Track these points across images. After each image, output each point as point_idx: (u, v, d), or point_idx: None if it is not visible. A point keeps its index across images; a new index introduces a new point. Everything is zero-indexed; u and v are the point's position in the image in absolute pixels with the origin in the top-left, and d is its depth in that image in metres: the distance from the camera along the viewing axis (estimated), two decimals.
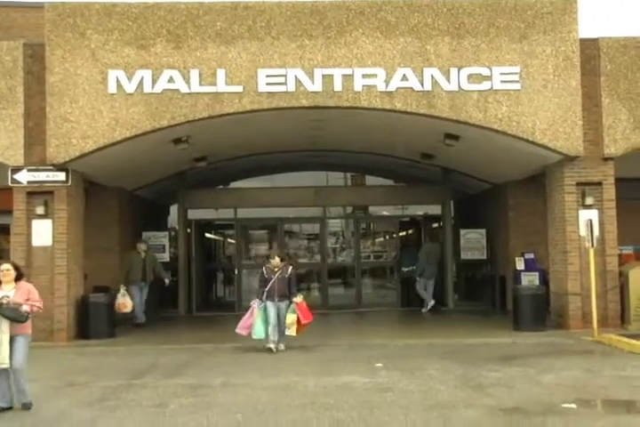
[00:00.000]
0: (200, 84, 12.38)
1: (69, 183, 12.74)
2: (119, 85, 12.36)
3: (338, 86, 12.45)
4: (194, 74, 12.38)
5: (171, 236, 18.92)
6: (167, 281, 16.02)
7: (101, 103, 12.38)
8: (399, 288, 19.04)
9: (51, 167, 12.55)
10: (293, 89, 12.43)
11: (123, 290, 14.36)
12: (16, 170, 12.55)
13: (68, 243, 12.81)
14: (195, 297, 18.71)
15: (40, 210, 12.62)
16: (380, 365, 9.92)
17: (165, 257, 18.19)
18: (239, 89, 12.40)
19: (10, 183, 12.63)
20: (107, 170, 14.13)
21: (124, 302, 14.19)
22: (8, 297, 7.46)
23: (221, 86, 12.40)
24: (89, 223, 14.13)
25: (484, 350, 11.28)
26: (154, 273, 15.64)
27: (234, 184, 20.21)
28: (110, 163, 13.60)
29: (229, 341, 12.51)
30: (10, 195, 12.91)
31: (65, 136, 12.41)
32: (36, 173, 12.56)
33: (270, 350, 11.23)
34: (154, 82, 12.35)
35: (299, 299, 11.42)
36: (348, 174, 20.68)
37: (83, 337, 12.99)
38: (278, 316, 11.32)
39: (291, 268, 11.59)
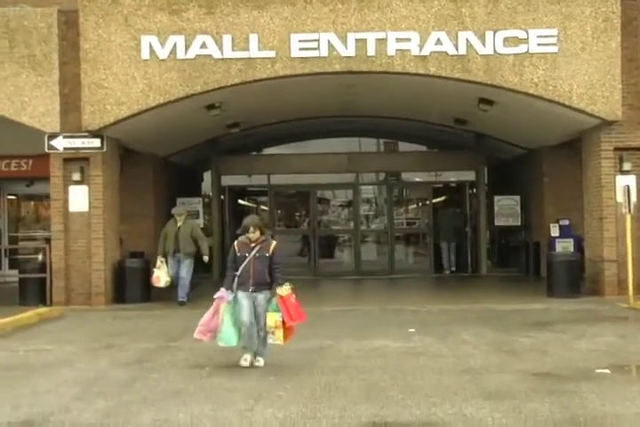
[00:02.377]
0: (233, 50, 12.33)
1: (104, 149, 12.86)
2: (152, 51, 12.36)
3: (371, 51, 12.31)
4: (226, 39, 12.32)
5: (204, 202, 19.07)
6: (205, 258, 13.62)
7: (135, 69, 12.41)
8: (432, 254, 19.07)
9: (86, 134, 12.67)
10: (326, 54, 12.32)
11: (158, 262, 12.90)
12: (52, 136, 12.68)
13: (104, 208, 12.98)
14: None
15: (76, 176, 12.79)
16: (412, 330, 9.96)
17: (200, 223, 18.38)
18: (272, 54, 12.33)
19: (46, 150, 12.78)
20: (141, 136, 14.22)
21: (158, 276, 12.82)
22: None
23: (254, 52, 12.34)
24: (124, 190, 14.27)
25: (518, 316, 11.26)
26: (195, 244, 13.40)
27: (267, 151, 20.24)
28: (144, 129, 13.68)
29: None
30: (46, 162, 13.10)
31: (99, 103, 12.49)
32: (71, 140, 12.69)
33: (246, 365, 7.72)
34: (186, 48, 12.33)
35: (284, 290, 7.65)
36: (381, 140, 20.57)
37: (119, 301, 13.23)
38: (255, 313, 7.75)
39: (274, 243, 7.84)
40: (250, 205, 22.52)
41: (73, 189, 12.89)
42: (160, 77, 12.38)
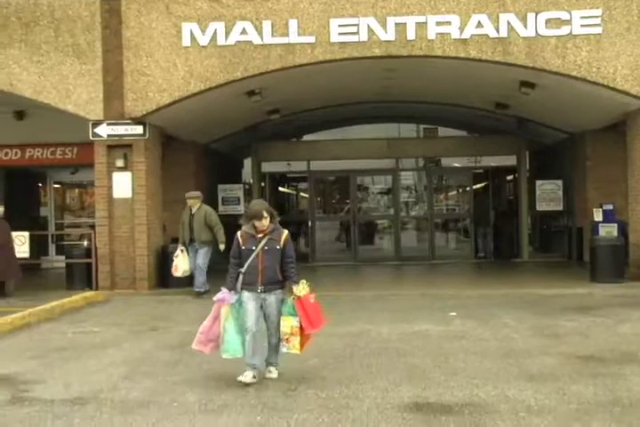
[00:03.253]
0: (272, 36, 12.36)
1: (147, 136, 13.02)
2: (193, 38, 12.45)
3: (411, 35, 12.24)
4: (266, 25, 12.36)
5: (245, 189, 19.22)
6: (222, 247, 12.27)
7: (176, 56, 12.53)
8: (473, 240, 18.99)
9: (129, 121, 12.83)
10: (366, 38, 12.28)
11: (178, 251, 12.17)
12: (96, 124, 12.88)
13: (147, 194, 13.17)
14: None
15: (120, 163, 12.98)
16: (453, 314, 9.96)
17: (241, 209, 18.56)
18: (311, 40, 12.33)
19: (91, 137, 12.98)
20: (182, 123, 14.37)
21: (176, 265, 12.12)
22: None
23: (293, 37, 12.35)
24: (166, 177, 14.44)
25: (560, 300, 11.18)
26: (211, 232, 12.39)
27: (306, 137, 20.29)
28: (185, 116, 13.82)
29: None
30: (90, 149, 13.32)
31: (141, 90, 12.65)
32: (115, 127, 12.87)
33: (247, 381, 6.33)
34: (227, 34, 12.39)
35: (301, 289, 6.42)
36: (421, 126, 20.46)
37: (162, 286, 13.43)
38: (265, 317, 6.56)
39: (285, 233, 6.55)
40: (289, 191, 22.64)
41: (116, 176, 13.09)
42: (201, 64, 12.48)
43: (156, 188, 13.71)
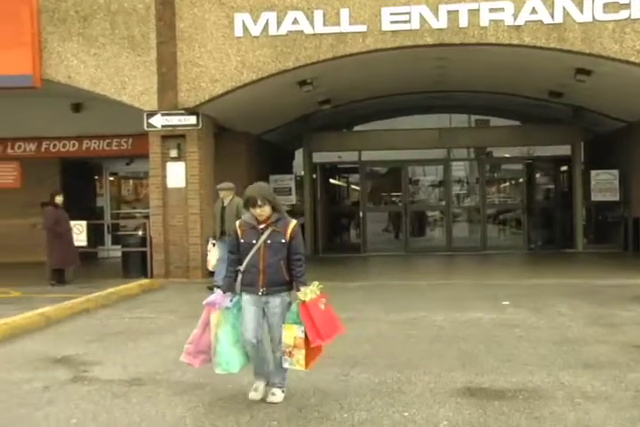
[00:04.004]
0: (324, 25, 12.37)
1: (200, 127, 13.18)
2: (245, 28, 12.55)
3: (463, 22, 12.12)
4: (318, 14, 12.37)
5: (296, 179, 19.33)
6: None
7: (228, 47, 12.64)
8: (526, 231, 18.76)
9: (182, 111, 13.00)
10: (418, 27, 12.21)
11: (209, 244, 11.65)
12: (151, 114, 13.07)
13: (200, 184, 13.33)
14: (320, 239, 19.12)
15: (173, 153, 13.17)
16: (506, 303, 9.88)
17: (292, 200, 18.71)
18: (363, 28, 12.31)
19: (145, 128, 13.19)
20: (234, 114, 14.50)
21: (209, 260, 11.57)
22: None
23: (345, 26, 12.34)
24: (218, 167, 14.59)
25: (616, 290, 10.98)
26: None
27: (357, 127, 20.27)
28: (238, 106, 13.94)
29: (355, 280, 12.84)
30: (145, 140, 13.54)
31: (195, 80, 12.80)
32: (169, 118, 13.05)
33: (256, 398, 5.47)
34: (278, 24, 12.45)
35: (308, 293, 5.26)
36: (472, 116, 20.25)
37: (208, 275, 13.56)
38: (268, 325, 5.49)
39: (292, 223, 5.43)
40: (340, 183, 22.66)
41: (170, 166, 13.29)
42: (253, 54, 12.57)
43: (209, 177, 13.87)
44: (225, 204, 11.67)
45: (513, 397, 5.42)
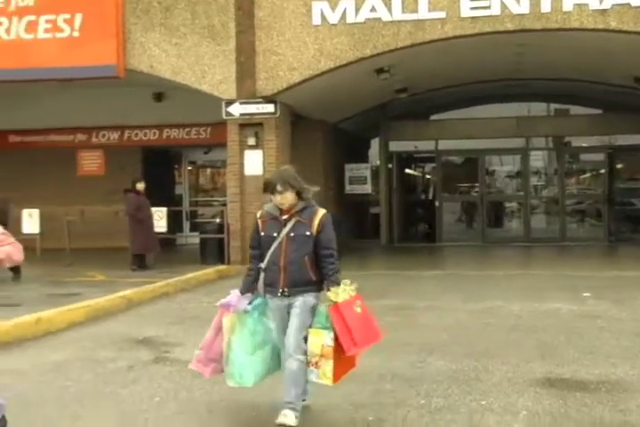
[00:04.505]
0: (402, 12, 12.27)
1: (277, 115, 13.28)
2: (323, 17, 12.56)
3: (546, 7, 11.83)
4: (396, 2, 12.27)
5: (372, 168, 19.30)
6: None
7: (306, 35, 12.68)
8: (607, 222, 18.26)
9: (260, 100, 13.13)
10: (498, 12, 11.98)
11: None
12: (229, 103, 13.24)
13: None
14: (395, 228, 19.06)
15: (251, 141, 13.32)
16: (587, 294, 9.66)
17: (368, 189, 18.71)
18: (442, 15, 12.16)
19: (224, 116, 13.37)
20: (311, 102, 14.55)
21: None
22: None
23: (423, 13, 12.21)
24: (294, 155, 14.68)
25: None
26: None
27: (434, 116, 20.07)
28: (314, 95, 13.98)
29: (431, 269, 12.78)
30: (223, 129, 13.74)
31: (273, 69, 12.90)
32: (246, 106, 13.19)
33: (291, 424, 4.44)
34: (356, 11, 12.41)
35: (340, 293, 4.54)
36: (551, 105, 19.77)
37: None
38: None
39: (321, 213, 4.66)
40: (417, 170, 22.50)
41: (248, 154, 13.45)
42: (330, 42, 12.58)
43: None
44: None
45: (595, 389, 5.31)
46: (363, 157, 20.14)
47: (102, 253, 15.42)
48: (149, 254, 13.32)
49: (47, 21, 13.17)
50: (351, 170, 18.43)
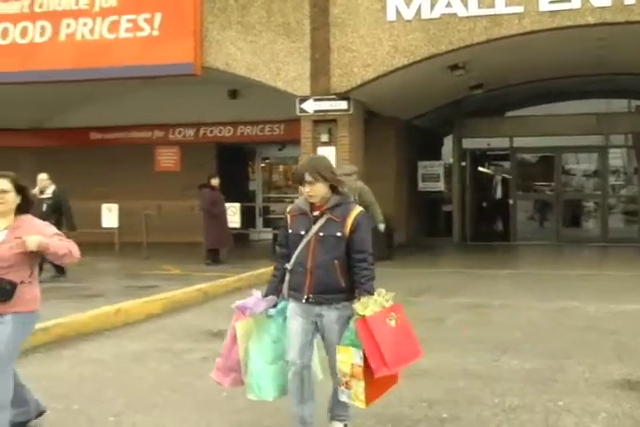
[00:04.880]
0: (478, 7, 12.09)
1: (351, 111, 13.29)
2: (398, 13, 12.50)
3: None
4: None
5: (445, 166, 19.13)
6: (381, 227, 11.40)
7: (381, 31, 12.65)
8: None
9: (334, 96, 13.17)
10: (578, 5, 11.68)
11: None
12: (303, 100, 13.33)
13: None
14: (468, 226, 18.86)
15: (324, 137, 13.38)
16: None
17: (440, 186, 18.57)
18: (519, 9, 11.93)
19: (297, 113, 13.46)
20: (384, 99, 14.52)
21: None
22: None
23: (500, 8, 12.02)
24: (367, 152, 14.68)
25: None
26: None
27: (509, 113, 19.75)
28: (388, 91, 13.94)
29: (505, 267, 12.61)
30: (296, 126, 13.85)
31: (347, 66, 12.92)
32: (320, 103, 13.25)
33: None
34: (432, 7, 12.30)
35: (367, 305, 3.89)
36: (632, 101, 19.17)
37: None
38: (325, 347, 4.25)
39: (356, 211, 4.11)
40: (491, 167, 22.19)
41: (321, 150, 13.48)
42: (405, 38, 12.52)
43: (359, 162, 13.98)
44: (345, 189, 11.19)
45: None
46: (435, 155, 19.97)
47: (178, 248, 15.76)
48: (223, 249, 13.54)
49: (128, 21, 13.52)
50: (424, 167, 18.32)
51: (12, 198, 4.04)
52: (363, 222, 4.08)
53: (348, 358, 3.90)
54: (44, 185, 11.49)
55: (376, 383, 3.92)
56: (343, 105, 13.22)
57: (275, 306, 4.22)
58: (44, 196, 11.31)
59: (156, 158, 17.12)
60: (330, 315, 4.07)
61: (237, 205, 14.25)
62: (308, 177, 4.03)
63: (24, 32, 14.02)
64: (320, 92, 13.16)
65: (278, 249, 4.31)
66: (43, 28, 13.92)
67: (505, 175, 20.90)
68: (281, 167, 21.16)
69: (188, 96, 16.74)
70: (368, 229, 4.13)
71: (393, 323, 3.93)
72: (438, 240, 18.16)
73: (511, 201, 18.66)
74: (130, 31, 13.58)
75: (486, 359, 6.12)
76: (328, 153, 13.39)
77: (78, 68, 13.73)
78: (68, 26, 13.83)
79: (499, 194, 21.54)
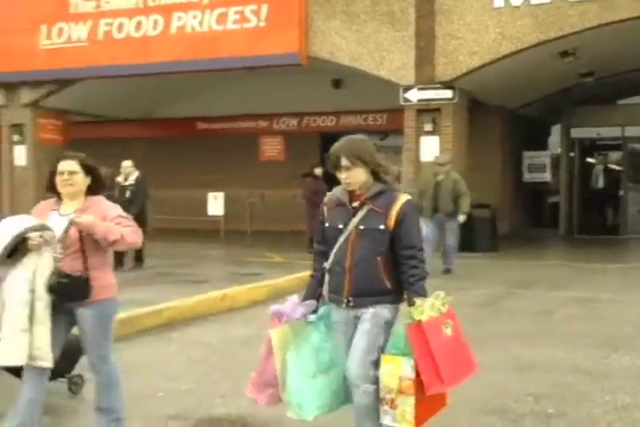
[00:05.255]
0: None
1: (455, 100, 13.12)
2: None
3: None
4: None
5: (552, 156, 18.59)
6: (461, 218, 10.60)
7: (488, 18, 12.40)
8: None
9: (438, 85, 13.02)
10: None
11: None
12: (407, 89, 13.24)
13: (454, 158, 13.24)
14: (575, 218, 18.28)
15: (428, 127, 13.25)
16: None
17: (546, 177, 18.07)
18: None
19: (401, 102, 13.39)
20: (490, 87, 14.23)
21: None
22: (48, 232, 3.71)
23: None
24: (471, 142, 14.44)
25: None
26: (454, 204, 10.48)
27: (621, 101, 18.96)
28: (494, 79, 13.66)
29: (614, 261, 12.17)
30: (399, 115, 13.76)
31: (452, 54, 12.74)
32: (424, 92, 13.13)
33: None
34: None
35: (424, 309, 3.31)
36: None
37: (467, 250, 13.51)
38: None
39: (402, 200, 3.47)
40: (597, 161, 21.40)
41: (424, 140, 13.39)
42: (513, 25, 12.22)
43: (463, 152, 13.79)
44: (439, 178, 10.49)
45: None
46: (542, 145, 19.42)
47: (281, 236, 15.98)
48: None
49: (236, 13, 13.79)
50: (530, 157, 17.86)
51: (81, 179, 3.87)
52: (410, 213, 3.50)
53: (396, 370, 3.27)
54: (128, 172, 11.31)
55: (427, 402, 3.29)
56: (448, 94, 13.05)
57: (315, 311, 3.62)
58: (127, 182, 11.22)
59: (260, 148, 17.40)
60: (365, 313, 3.50)
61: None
62: (344, 161, 3.47)
63: (138, 26, 14.54)
64: (424, 80, 13.04)
65: (316, 246, 3.73)
66: (155, 22, 14.40)
67: (614, 166, 20.09)
68: (382, 157, 21.06)
69: (292, 86, 16.90)
70: (416, 220, 3.56)
71: (449, 331, 3.37)
72: (544, 232, 17.70)
73: (622, 193, 17.95)
74: (237, 23, 13.84)
75: (596, 355, 5.94)
76: (431, 143, 13.31)
77: (188, 59, 14.13)
78: (179, 19, 14.24)
79: (608, 185, 20.74)
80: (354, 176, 3.48)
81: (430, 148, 13.30)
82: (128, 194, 11.00)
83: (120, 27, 14.67)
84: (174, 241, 14.99)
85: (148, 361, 5.90)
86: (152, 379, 5.32)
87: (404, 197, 3.50)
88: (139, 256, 11.12)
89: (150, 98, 18.22)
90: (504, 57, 12.40)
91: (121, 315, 6.89)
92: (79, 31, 15.09)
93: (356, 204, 3.53)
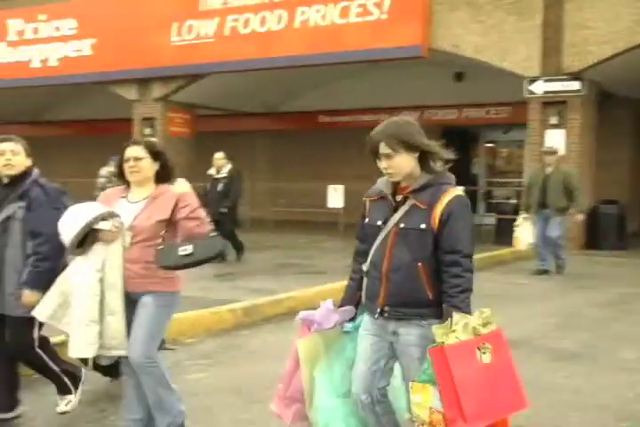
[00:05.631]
0: None
1: (583, 92, 12.66)
2: None
3: None
4: None
5: None
6: (579, 218, 10.51)
7: (621, 5, 11.87)
8: None
9: (565, 77, 12.60)
10: None
11: (520, 219, 10.15)
12: (532, 81, 12.88)
13: (580, 153, 12.86)
14: None
15: (553, 120, 12.86)
16: None
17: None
18: None
19: (525, 94, 13.04)
20: (622, 78, 13.63)
21: (517, 236, 10.22)
22: (117, 219, 3.56)
23: None
24: (599, 135, 13.89)
25: None
26: (565, 198, 9.90)
27: None
28: (625, 70, 13.06)
29: None
30: (523, 108, 13.41)
31: (581, 44, 12.29)
32: (550, 84, 12.73)
33: None
34: None
35: (454, 330, 2.78)
36: None
37: (593, 247, 13.07)
38: (403, 375, 3.11)
39: (451, 194, 2.99)
40: None
41: (549, 133, 13.00)
42: None
43: (590, 146, 13.31)
44: (548, 172, 9.97)
45: None
46: None
47: None
48: None
49: (358, 6, 13.84)
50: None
51: (148, 165, 3.64)
52: (457, 211, 2.97)
53: (426, 400, 2.79)
54: (220, 164, 10.73)
55: None
56: (575, 85, 12.61)
57: (352, 319, 3.20)
58: (220, 175, 10.73)
59: None
60: (409, 334, 3.00)
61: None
62: (383, 148, 3.01)
63: (263, 21, 14.86)
64: (550, 72, 12.66)
65: (357, 244, 3.29)
66: (279, 17, 14.66)
67: None
68: (504, 151, 20.63)
69: (413, 79, 16.80)
70: (465, 220, 2.99)
71: (486, 358, 2.81)
72: None
73: None
74: (359, 16, 13.88)
75: None
76: (557, 136, 12.91)
77: (311, 53, 14.33)
78: (303, 13, 14.44)
79: None
80: (396, 165, 3.01)
81: (556, 141, 12.89)
82: (220, 187, 10.59)
83: (246, 22, 15.05)
84: (295, 233, 15.29)
85: (269, 347, 6.06)
86: (273, 367, 5.47)
87: (453, 192, 3.00)
88: (238, 247, 10.78)
89: (273, 92, 18.58)
90: (638, 46, 11.84)
91: (245, 303, 7.17)
92: (207, 27, 15.58)
93: (399, 198, 3.07)
